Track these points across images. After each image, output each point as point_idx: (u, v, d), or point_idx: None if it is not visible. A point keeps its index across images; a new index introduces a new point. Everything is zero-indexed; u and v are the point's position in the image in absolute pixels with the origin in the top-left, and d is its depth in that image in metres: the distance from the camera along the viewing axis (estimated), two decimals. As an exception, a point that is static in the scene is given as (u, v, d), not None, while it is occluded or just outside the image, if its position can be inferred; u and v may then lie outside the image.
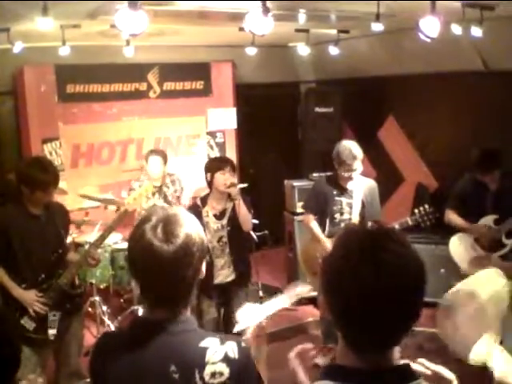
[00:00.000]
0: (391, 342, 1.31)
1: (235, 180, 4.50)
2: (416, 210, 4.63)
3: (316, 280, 5.14)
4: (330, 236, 4.77)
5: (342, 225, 4.74)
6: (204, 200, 4.51)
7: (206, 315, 4.43)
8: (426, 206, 4.62)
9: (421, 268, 1.30)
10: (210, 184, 4.46)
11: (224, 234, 4.43)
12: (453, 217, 4.93)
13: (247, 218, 4.48)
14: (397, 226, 4.51)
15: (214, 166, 4.47)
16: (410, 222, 4.59)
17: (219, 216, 4.45)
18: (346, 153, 4.59)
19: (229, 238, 4.45)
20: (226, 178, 4.35)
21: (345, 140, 4.86)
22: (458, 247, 4.97)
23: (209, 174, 4.45)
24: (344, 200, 4.78)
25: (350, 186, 4.77)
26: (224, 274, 4.48)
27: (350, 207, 4.77)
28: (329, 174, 5.09)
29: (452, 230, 5.05)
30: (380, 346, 1.31)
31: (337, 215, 4.80)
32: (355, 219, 4.74)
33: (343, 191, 4.79)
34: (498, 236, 4.71)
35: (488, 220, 4.76)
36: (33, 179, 3.53)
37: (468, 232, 4.87)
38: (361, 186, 4.79)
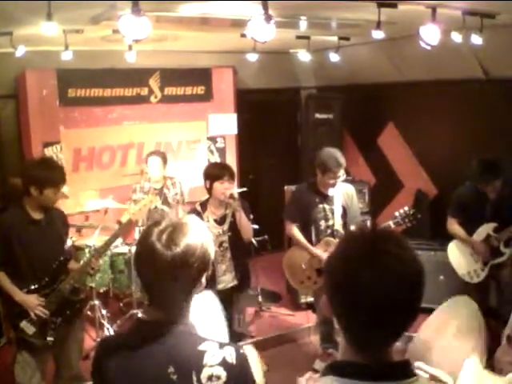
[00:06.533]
0: (390, 341, 1.35)
1: (235, 190, 4.48)
2: (397, 213, 4.68)
3: (303, 288, 5.15)
4: (317, 243, 4.79)
5: (329, 231, 4.78)
6: (204, 205, 4.52)
7: None
8: (406, 208, 4.67)
9: (420, 270, 1.33)
10: (209, 191, 4.47)
11: (225, 239, 4.45)
12: (455, 227, 4.95)
13: (248, 229, 4.49)
14: None
15: (213, 174, 4.44)
16: (393, 225, 4.63)
17: (220, 221, 4.47)
18: (331, 161, 4.61)
19: (230, 244, 4.46)
20: (225, 188, 4.35)
21: (327, 148, 4.86)
22: (457, 254, 4.99)
23: (207, 182, 4.45)
24: (326, 206, 4.81)
25: (330, 192, 4.80)
26: (226, 280, 4.49)
27: (332, 213, 4.79)
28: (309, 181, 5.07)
29: (451, 237, 5.08)
30: (380, 344, 1.34)
31: (321, 222, 4.81)
32: (338, 225, 4.77)
33: (324, 198, 4.81)
34: (496, 244, 4.73)
35: (487, 228, 4.78)
36: (42, 178, 3.55)
37: (469, 246, 4.89)
38: (340, 191, 4.82)
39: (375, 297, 1.26)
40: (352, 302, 1.30)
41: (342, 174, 4.69)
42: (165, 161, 5.97)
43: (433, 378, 1.44)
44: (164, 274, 1.64)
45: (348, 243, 1.37)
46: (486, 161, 4.68)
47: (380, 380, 1.30)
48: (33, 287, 3.62)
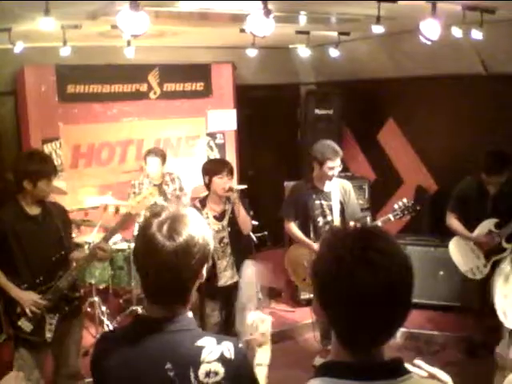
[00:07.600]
0: (385, 339, 1.34)
1: (233, 184, 4.49)
2: (396, 206, 4.68)
3: (305, 285, 5.14)
4: (315, 240, 4.77)
5: (327, 227, 4.75)
6: (203, 202, 4.51)
7: (209, 319, 4.39)
8: (405, 200, 4.68)
9: (409, 264, 1.32)
10: (208, 186, 4.47)
11: (225, 234, 4.44)
12: (454, 222, 4.93)
13: (246, 221, 4.49)
14: (379, 224, 4.54)
15: (212, 169, 4.45)
16: (392, 218, 4.63)
17: (219, 217, 4.46)
18: (328, 150, 4.63)
19: (230, 239, 4.46)
20: (224, 182, 4.35)
21: (321, 140, 4.87)
22: (458, 250, 4.98)
23: (206, 177, 4.44)
24: (324, 203, 4.79)
25: (326, 188, 4.79)
26: (227, 276, 4.48)
27: (330, 209, 4.78)
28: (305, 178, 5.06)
29: (451, 233, 5.06)
30: (372, 343, 1.33)
31: (319, 219, 4.80)
32: (337, 220, 4.76)
33: (321, 194, 4.80)
34: (497, 240, 4.72)
35: (489, 224, 4.77)
36: (35, 171, 3.54)
37: (469, 240, 4.87)
38: (336, 186, 4.81)
39: (369, 295, 1.25)
40: (345, 302, 1.28)
41: (339, 163, 4.67)
42: (164, 160, 5.94)
43: (431, 376, 1.42)
44: (165, 266, 1.62)
45: (335, 243, 1.34)
46: (496, 152, 4.69)
47: (371, 379, 1.29)
48: (29, 284, 3.59)
